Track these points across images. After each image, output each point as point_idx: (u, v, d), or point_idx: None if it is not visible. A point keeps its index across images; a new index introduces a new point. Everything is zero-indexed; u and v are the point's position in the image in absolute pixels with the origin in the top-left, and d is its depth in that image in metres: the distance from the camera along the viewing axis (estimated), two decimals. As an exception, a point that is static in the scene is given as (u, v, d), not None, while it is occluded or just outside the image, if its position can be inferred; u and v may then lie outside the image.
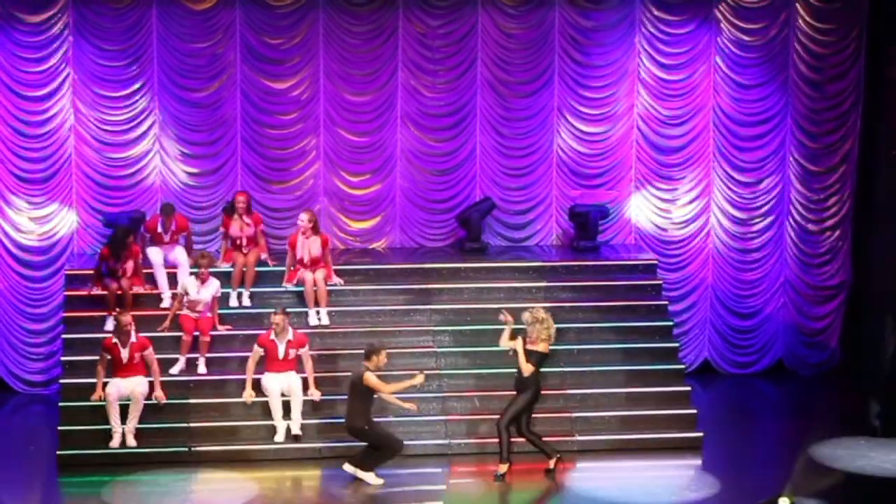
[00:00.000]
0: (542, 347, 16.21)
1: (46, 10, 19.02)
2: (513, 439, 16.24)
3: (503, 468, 16.22)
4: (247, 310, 18.19)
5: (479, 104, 20.08)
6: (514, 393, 16.31)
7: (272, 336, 16.93)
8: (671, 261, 20.34)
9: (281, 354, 16.93)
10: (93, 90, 19.33)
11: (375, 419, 16.21)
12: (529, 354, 16.18)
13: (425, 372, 17.62)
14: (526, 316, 16.33)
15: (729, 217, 20.45)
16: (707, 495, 15.78)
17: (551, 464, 16.35)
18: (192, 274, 17.79)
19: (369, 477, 16.04)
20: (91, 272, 18.21)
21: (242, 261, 18.28)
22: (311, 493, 16.60)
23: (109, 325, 17.78)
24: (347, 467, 16.14)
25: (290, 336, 16.95)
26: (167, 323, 17.70)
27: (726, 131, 20.29)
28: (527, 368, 16.15)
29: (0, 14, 18.92)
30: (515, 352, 16.24)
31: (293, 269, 18.30)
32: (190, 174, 19.72)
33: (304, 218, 18.30)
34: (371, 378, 15.93)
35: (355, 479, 16.04)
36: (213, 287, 17.73)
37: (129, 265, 18.00)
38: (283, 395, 16.93)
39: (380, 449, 16.11)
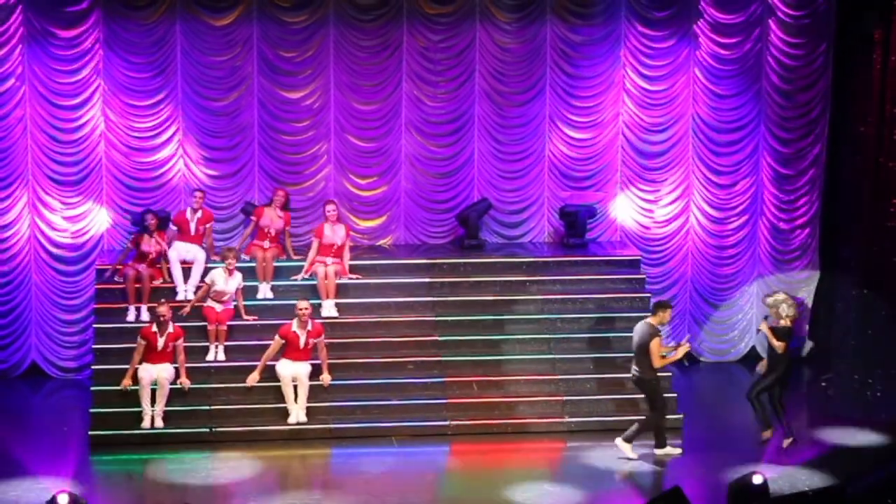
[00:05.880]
0: (788, 322, 16.33)
1: (79, 26, 19.05)
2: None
3: (787, 442, 16.42)
4: (268, 301, 18.24)
5: (477, 112, 20.11)
6: (765, 369, 16.52)
7: (294, 327, 16.96)
8: (653, 257, 20.37)
9: (302, 344, 16.98)
10: (121, 99, 19.36)
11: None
12: (778, 333, 16.30)
13: (428, 359, 17.76)
14: (769, 300, 16.56)
15: (707, 216, 20.49)
16: (686, 473, 15.86)
17: (767, 434, 16.47)
18: (216, 268, 17.84)
19: (667, 451, 16.21)
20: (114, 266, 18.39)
21: (262, 255, 18.34)
22: (322, 471, 16.65)
23: (131, 315, 17.86)
24: (658, 453, 16.23)
25: (309, 327, 17.00)
26: (187, 309, 17.75)
27: (704, 137, 20.32)
28: (780, 346, 16.27)
29: (36, 30, 18.95)
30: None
31: (312, 262, 18.37)
32: (211, 176, 19.73)
33: (331, 208, 18.57)
34: (654, 346, 15.97)
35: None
36: (238, 279, 17.82)
37: (157, 249, 18.12)
38: (292, 380, 17.00)
39: (652, 410, 16.18)
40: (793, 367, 16.74)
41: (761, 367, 16.84)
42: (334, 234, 18.52)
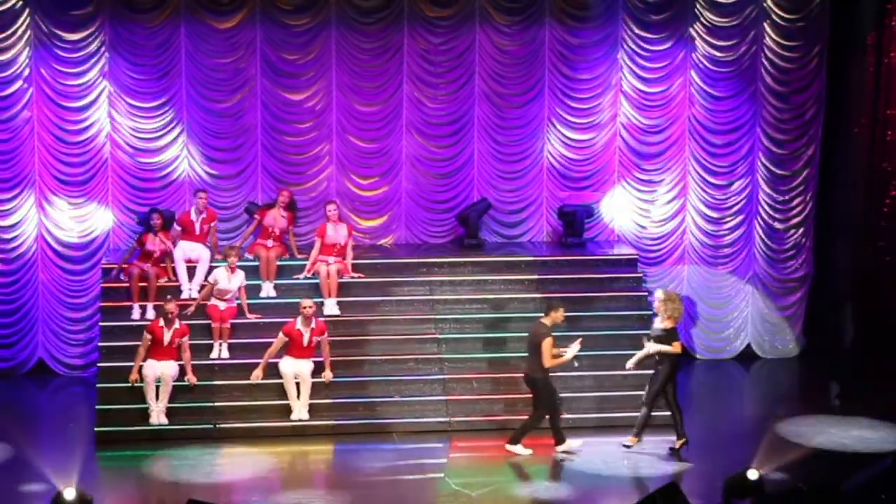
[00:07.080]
0: (669, 324, 16.11)
1: (85, 29, 19.07)
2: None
3: (678, 443, 16.20)
4: (271, 300, 18.25)
5: (477, 114, 20.13)
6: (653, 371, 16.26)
7: (298, 325, 16.95)
8: (650, 255, 20.40)
9: (305, 342, 16.97)
10: (127, 101, 19.38)
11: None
12: (663, 338, 16.08)
13: (429, 356, 17.77)
14: (658, 293, 16.36)
15: (703, 216, 20.50)
16: (682, 469, 15.86)
17: (678, 444, 16.21)
18: (220, 266, 17.87)
19: (569, 444, 16.14)
20: (120, 265, 18.41)
21: (265, 254, 18.36)
22: (323, 466, 16.66)
23: (136, 313, 17.87)
24: (559, 449, 16.16)
25: (313, 324, 16.99)
26: (192, 309, 17.76)
27: (700, 139, 20.34)
28: (677, 345, 16.07)
29: (43, 33, 18.97)
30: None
31: (314, 261, 18.39)
32: (214, 177, 19.76)
33: (332, 208, 18.62)
34: (545, 345, 15.86)
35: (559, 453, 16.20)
36: (240, 277, 17.84)
37: (161, 248, 18.17)
38: (294, 377, 16.99)
39: (539, 408, 16.07)
40: (680, 364, 16.43)
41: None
42: (336, 233, 18.56)
